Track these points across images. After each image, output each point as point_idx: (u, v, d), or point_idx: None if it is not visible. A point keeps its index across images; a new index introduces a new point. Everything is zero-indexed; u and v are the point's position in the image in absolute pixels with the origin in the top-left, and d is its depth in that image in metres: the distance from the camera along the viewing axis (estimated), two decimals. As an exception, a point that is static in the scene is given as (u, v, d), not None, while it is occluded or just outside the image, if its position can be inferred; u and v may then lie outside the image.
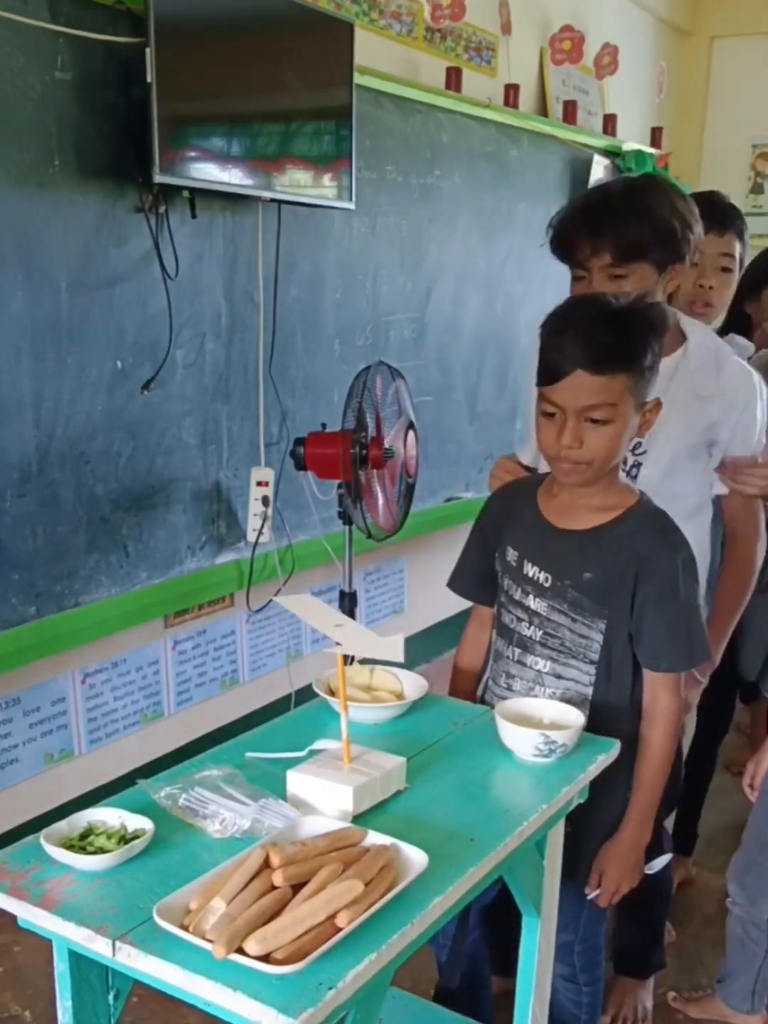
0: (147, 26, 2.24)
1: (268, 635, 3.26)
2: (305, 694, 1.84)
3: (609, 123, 4.64)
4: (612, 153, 4.49)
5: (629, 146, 4.58)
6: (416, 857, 1.20)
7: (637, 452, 1.90)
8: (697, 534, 1.86)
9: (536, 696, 1.67)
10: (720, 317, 2.26)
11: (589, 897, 1.72)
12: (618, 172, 4.48)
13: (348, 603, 2.79)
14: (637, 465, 1.91)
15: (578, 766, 1.49)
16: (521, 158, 3.92)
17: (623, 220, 1.79)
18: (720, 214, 2.19)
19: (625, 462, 1.88)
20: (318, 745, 1.49)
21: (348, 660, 1.50)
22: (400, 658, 1.43)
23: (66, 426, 2.39)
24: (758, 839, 2.05)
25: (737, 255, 2.19)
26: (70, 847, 1.22)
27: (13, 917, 1.19)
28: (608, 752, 1.55)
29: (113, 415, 2.50)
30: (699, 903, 2.59)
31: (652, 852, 1.77)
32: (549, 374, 1.53)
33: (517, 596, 1.69)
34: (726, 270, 2.18)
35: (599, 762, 1.52)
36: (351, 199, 2.87)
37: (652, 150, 4.73)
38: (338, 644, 1.41)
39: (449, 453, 3.75)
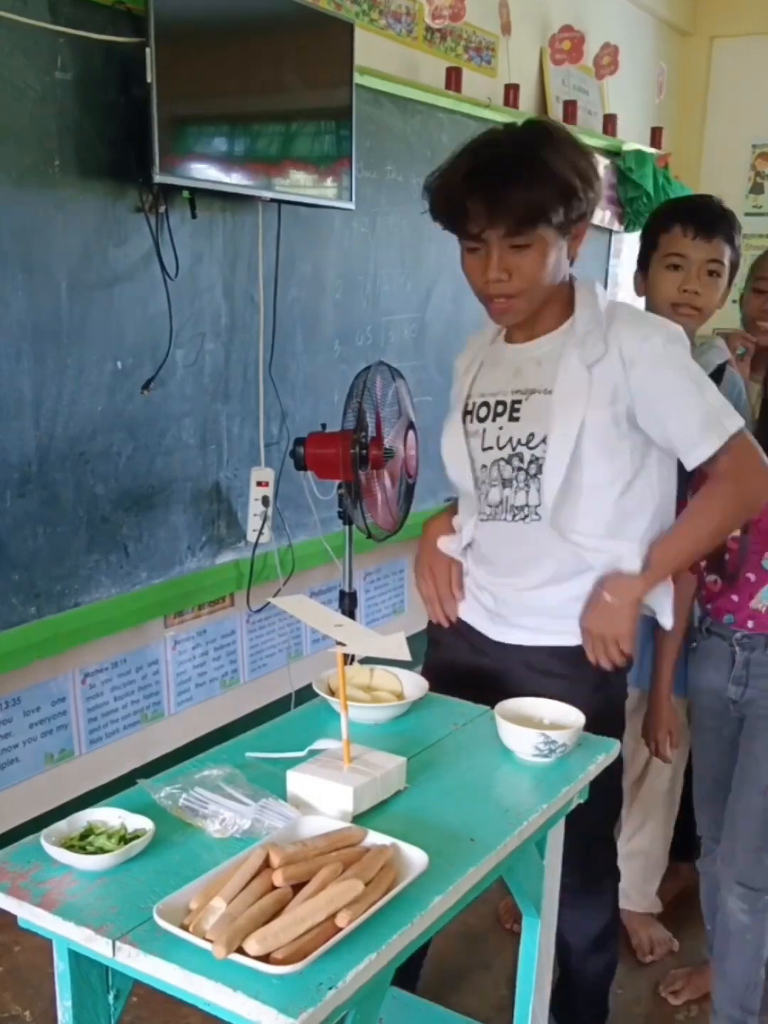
0: (147, 26, 2.24)
1: (268, 635, 3.26)
2: (305, 694, 1.84)
3: (609, 123, 4.64)
4: (612, 153, 4.49)
5: (629, 146, 4.58)
6: (416, 857, 1.20)
7: (532, 444, 1.72)
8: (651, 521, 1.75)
9: None
10: (709, 320, 2.20)
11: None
12: (618, 172, 4.48)
13: (348, 603, 2.79)
14: (536, 461, 1.71)
15: (578, 766, 1.49)
16: (521, 158, 3.92)
17: (518, 183, 1.60)
18: (707, 219, 2.11)
19: (521, 458, 1.73)
20: (317, 745, 1.49)
21: (348, 660, 1.50)
22: (407, 656, 1.43)
23: (66, 426, 2.39)
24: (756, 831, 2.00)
25: (727, 259, 2.13)
26: (70, 847, 1.22)
27: (13, 917, 1.19)
28: (608, 752, 1.55)
29: (113, 415, 2.50)
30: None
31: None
32: None
33: None
34: (713, 274, 2.11)
35: (599, 762, 1.52)
36: (351, 199, 2.87)
37: (652, 150, 4.73)
38: (342, 643, 1.41)
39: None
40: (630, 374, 1.67)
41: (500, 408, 1.77)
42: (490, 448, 1.78)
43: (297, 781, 1.36)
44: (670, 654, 2.14)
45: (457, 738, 1.58)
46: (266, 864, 1.15)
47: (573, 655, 1.77)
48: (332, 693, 1.60)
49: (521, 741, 1.49)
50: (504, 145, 1.65)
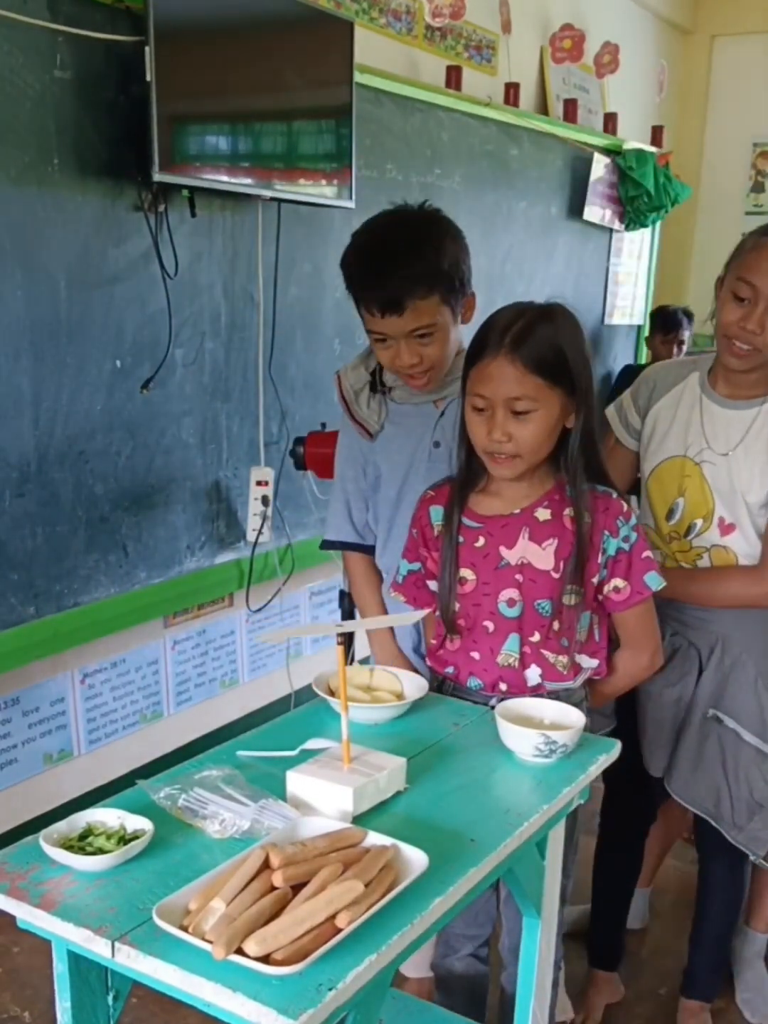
0: (147, 25, 2.24)
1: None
2: (305, 694, 1.83)
3: (609, 122, 4.64)
4: (612, 152, 4.49)
5: (630, 145, 4.57)
6: (416, 857, 1.19)
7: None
8: None
9: None
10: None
11: None
12: (618, 170, 4.48)
13: (348, 603, 2.78)
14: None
15: (578, 766, 1.49)
16: (521, 157, 3.92)
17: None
18: None
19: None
20: (310, 745, 1.49)
21: (348, 660, 1.50)
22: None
23: (66, 426, 2.39)
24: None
25: None
26: (69, 848, 1.21)
27: (12, 917, 1.19)
28: (609, 752, 1.55)
29: (113, 414, 2.50)
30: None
31: None
32: None
33: None
34: None
35: (600, 762, 1.52)
36: (351, 198, 2.86)
37: (652, 149, 4.73)
38: (344, 636, 1.41)
39: (449, 452, 3.74)
40: None
41: None
42: None
43: (297, 781, 1.36)
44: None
45: (457, 738, 1.58)
46: (266, 865, 1.14)
47: None
48: (332, 693, 1.60)
49: (521, 741, 1.49)
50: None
